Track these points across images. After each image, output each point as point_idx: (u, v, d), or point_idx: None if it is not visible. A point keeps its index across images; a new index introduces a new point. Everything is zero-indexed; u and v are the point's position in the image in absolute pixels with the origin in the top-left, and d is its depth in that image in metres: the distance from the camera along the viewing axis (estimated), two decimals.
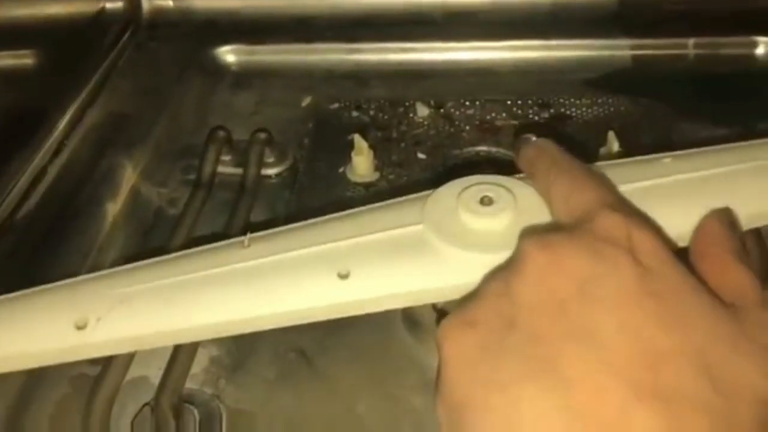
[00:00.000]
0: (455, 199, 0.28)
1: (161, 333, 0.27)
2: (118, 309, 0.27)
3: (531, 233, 0.22)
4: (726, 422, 0.18)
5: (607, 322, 0.19)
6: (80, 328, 0.26)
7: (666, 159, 0.30)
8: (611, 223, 0.21)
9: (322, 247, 0.28)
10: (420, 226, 0.28)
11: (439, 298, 0.30)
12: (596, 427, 0.18)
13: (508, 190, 0.29)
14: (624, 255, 0.20)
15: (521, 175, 0.30)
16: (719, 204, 0.26)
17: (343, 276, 0.27)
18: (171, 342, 0.29)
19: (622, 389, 0.18)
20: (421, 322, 0.34)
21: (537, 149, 0.28)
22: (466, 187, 0.29)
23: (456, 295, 0.31)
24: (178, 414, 0.31)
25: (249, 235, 0.29)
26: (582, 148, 0.44)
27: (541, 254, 0.21)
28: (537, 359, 0.19)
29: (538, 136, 0.30)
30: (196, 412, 0.31)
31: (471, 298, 0.23)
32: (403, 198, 0.30)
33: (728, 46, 0.50)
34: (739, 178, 0.29)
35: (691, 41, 0.50)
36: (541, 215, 0.27)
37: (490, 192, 0.29)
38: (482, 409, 0.19)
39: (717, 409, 0.18)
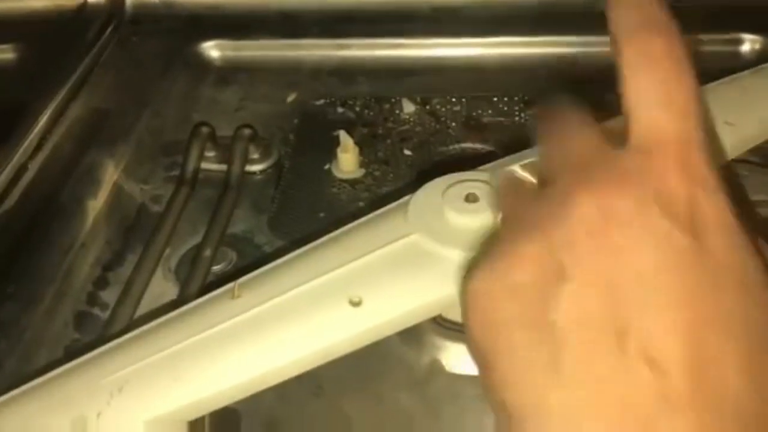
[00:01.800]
0: (439, 200, 0.28)
1: (168, 414, 0.24)
2: (117, 398, 0.24)
3: (588, 180, 0.19)
4: (761, 426, 0.17)
5: (655, 320, 0.18)
6: (79, 430, 0.24)
7: None
8: (676, 187, 0.18)
9: (323, 279, 0.26)
10: (412, 236, 0.27)
11: (453, 305, 0.27)
12: (628, 426, 0.17)
13: (483, 182, 0.28)
14: (686, 240, 0.18)
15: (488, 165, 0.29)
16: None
17: (356, 303, 0.25)
18: (179, 420, 0.26)
19: (657, 391, 0.17)
20: None
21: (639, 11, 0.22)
22: (448, 187, 0.29)
23: None
24: None
25: (237, 283, 0.27)
26: None
27: (602, 232, 0.18)
28: (573, 349, 0.18)
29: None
30: None
31: (509, 256, 0.20)
32: (385, 208, 0.29)
33: (713, 42, 0.50)
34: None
35: None
36: None
37: (468, 189, 0.28)
38: (510, 382, 0.19)
39: (753, 414, 0.17)
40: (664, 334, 0.17)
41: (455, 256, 0.26)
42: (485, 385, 0.20)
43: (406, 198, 0.29)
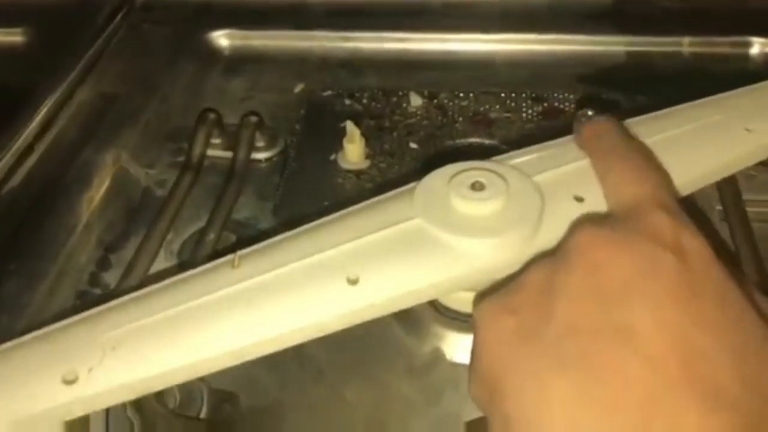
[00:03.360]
0: (445, 187, 0.28)
1: (161, 375, 0.24)
2: (110, 356, 0.24)
3: (582, 225, 0.23)
4: (756, 423, 0.18)
5: (645, 318, 0.19)
6: (69, 382, 0.24)
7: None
8: (662, 224, 0.22)
9: (323, 255, 0.26)
10: (416, 220, 0.27)
11: (451, 291, 0.29)
12: (624, 419, 0.18)
13: (491, 171, 0.28)
14: (671, 256, 0.21)
15: (500, 156, 0.29)
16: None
17: (353, 281, 0.25)
18: (171, 383, 0.26)
19: (653, 381, 0.18)
20: (408, 308, 0.33)
21: (598, 129, 0.28)
22: (451, 177, 0.29)
23: (465, 285, 0.30)
24: (158, 394, 0.30)
25: (238, 254, 0.27)
26: None
27: (589, 250, 0.21)
28: (571, 351, 0.20)
29: (604, 112, 0.29)
30: (176, 392, 0.31)
31: (512, 283, 0.23)
32: (391, 192, 0.29)
33: (723, 45, 0.49)
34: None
35: (685, 39, 0.50)
36: (530, 189, 0.27)
37: (475, 178, 0.28)
38: (517, 393, 0.20)
39: (748, 409, 0.18)
40: (654, 330, 0.19)
41: (457, 242, 0.26)
42: (493, 409, 0.21)
43: (412, 184, 0.29)
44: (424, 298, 0.28)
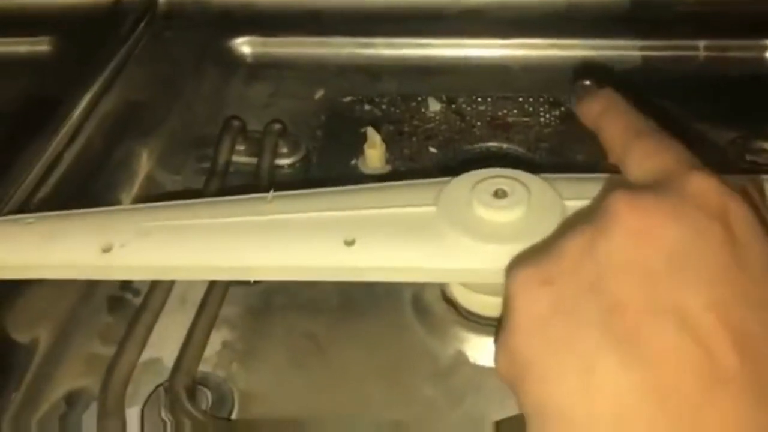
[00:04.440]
0: (470, 189, 0.29)
1: (175, 267, 0.30)
2: (141, 239, 0.30)
3: (619, 187, 0.21)
4: None
5: (695, 297, 0.18)
6: (105, 251, 0.30)
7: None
8: (705, 186, 0.20)
9: (335, 213, 0.30)
10: (432, 209, 0.30)
11: (438, 279, 0.33)
12: (676, 407, 0.17)
13: (524, 184, 0.29)
14: (717, 225, 0.19)
15: (544, 175, 0.30)
16: None
17: (349, 243, 0.29)
18: (183, 277, 0.33)
19: (708, 369, 0.17)
20: (430, 311, 0.34)
21: (602, 103, 0.27)
22: (483, 179, 0.30)
23: (456, 279, 0.32)
24: (191, 395, 0.31)
25: (273, 193, 0.32)
26: (592, 146, 0.44)
27: (630, 216, 0.20)
28: (618, 330, 0.18)
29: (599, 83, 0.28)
30: (209, 394, 0.32)
31: (548, 250, 0.21)
32: (421, 180, 0.32)
33: (739, 49, 0.50)
34: None
35: (701, 43, 0.50)
36: (554, 211, 0.28)
37: (504, 185, 0.29)
38: (554, 374, 0.19)
39: None
40: (703, 311, 0.18)
41: (465, 241, 0.28)
42: (524, 390, 0.20)
43: (444, 178, 0.31)
44: (413, 279, 0.32)
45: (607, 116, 0.26)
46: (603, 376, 0.18)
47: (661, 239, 0.19)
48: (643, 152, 0.23)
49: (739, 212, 0.20)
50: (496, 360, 0.22)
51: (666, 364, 0.18)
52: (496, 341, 0.22)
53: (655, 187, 0.21)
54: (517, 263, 0.22)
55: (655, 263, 0.19)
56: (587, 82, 0.29)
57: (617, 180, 0.24)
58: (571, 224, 0.22)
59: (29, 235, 0.31)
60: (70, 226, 0.32)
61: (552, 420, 0.19)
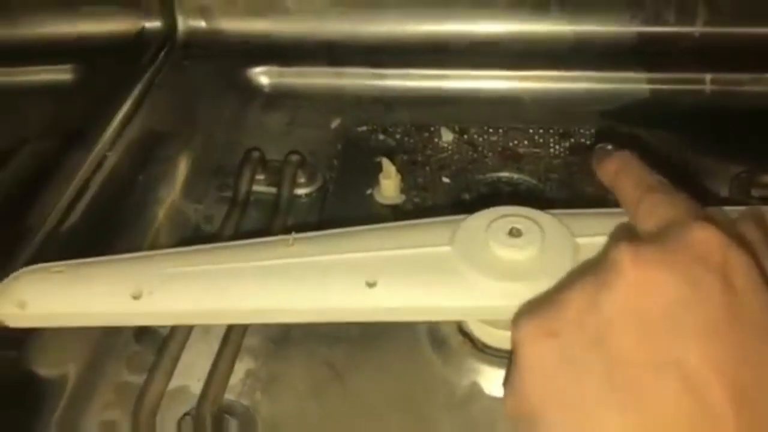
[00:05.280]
0: (485, 227, 0.30)
1: (201, 312, 0.31)
2: (168, 285, 0.31)
3: (623, 240, 0.21)
4: None
5: (690, 352, 0.19)
6: (135, 298, 0.31)
7: None
8: (707, 237, 0.21)
9: (356, 255, 0.31)
10: (448, 248, 0.31)
11: (457, 318, 0.34)
12: None
13: (537, 223, 0.31)
14: (717, 278, 0.20)
15: (555, 211, 0.31)
16: None
17: (371, 284, 0.30)
18: (208, 321, 0.35)
19: (704, 422, 0.18)
20: (447, 344, 0.36)
21: (619, 162, 0.28)
22: (497, 218, 0.31)
23: (474, 317, 0.33)
24: (217, 423, 0.32)
25: (293, 235, 0.33)
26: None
27: (632, 269, 0.20)
28: (619, 384, 0.19)
29: (618, 147, 0.29)
30: (234, 422, 0.33)
31: (552, 301, 0.22)
32: (437, 219, 0.33)
33: (745, 83, 0.51)
34: None
35: (708, 77, 0.51)
36: (567, 248, 0.29)
37: (519, 224, 0.31)
38: (557, 424, 0.20)
39: None
40: (700, 366, 0.19)
41: (478, 279, 0.29)
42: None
43: (459, 216, 0.32)
44: (433, 318, 0.33)
45: (622, 173, 0.27)
46: (603, 429, 0.19)
47: (661, 292, 0.20)
48: (651, 205, 0.24)
49: (739, 264, 0.20)
50: (504, 402, 0.23)
51: (663, 415, 0.19)
52: (504, 384, 0.23)
53: (659, 238, 0.22)
54: (524, 313, 0.23)
55: (655, 316, 0.20)
56: (609, 146, 0.30)
57: (624, 229, 0.26)
58: (576, 275, 0.23)
59: (60, 284, 0.32)
60: (98, 274, 0.32)
61: None
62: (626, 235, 0.23)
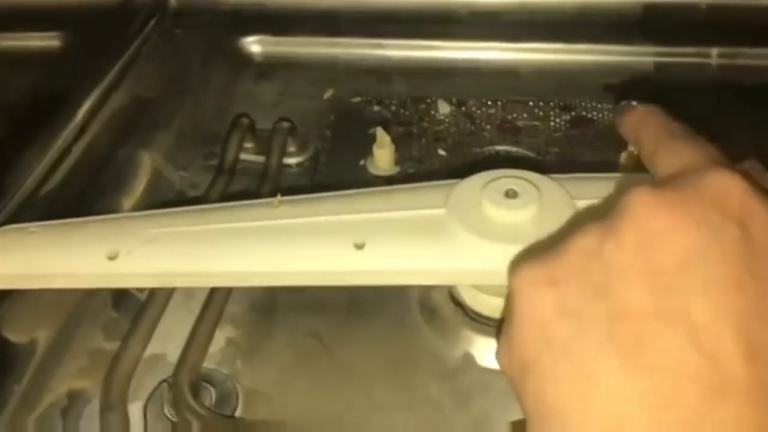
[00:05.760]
0: (480, 189, 0.29)
1: (182, 273, 0.30)
2: (147, 246, 0.29)
3: (636, 186, 0.20)
4: None
5: (704, 305, 0.18)
6: (111, 258, 0.29)
7: None
8: (725, 182, 0.19)
9: (344, 217, 0.30)
10: (442, 210, 0.29)
11: (449, 282, 0.33)
12: (676, 416, 0.17)
13: (534, 185, 0.29)
14: (733, 226, 0.18)
15: (554, 175, 0.30)
16: None
17: (359, 246, 0.28)
18: (189, 284, 0.33)
19: (710, 379, 0.17)
20: (438, 312, 0.34)
21: (642, 115, 0.26)
22: (493, 179, 0.29)
23: (468, 281, 0.32)
24: (195, 392, 0.31)
25: (279, 197, 0.31)
26: (601, 151, 0.44)
27: (644, 217, 0.19)
28: (621, 337, 0.18)
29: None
30: (212, 390, 0.32)
31: (556, 248, 0.20)
32: (430, 183, 0.31)
33: (752, 56, 0.50)
34: None
35: (714, 51, 0.50)
36: (565, 211, 0.28)
37: (515, 185, 0.29)
38: (554, 377, 0.19)
39: None
40: (713, 319, 0.17)
41: (472, 241, 0.28)
42: (523, 389, 0.20)
43: (453, 180, 0.30)
44: (424, 282, 0.31)
45: (643, 125, 0.26)
46: (602, 382, 0.18)
47: (674, 243, 0.18)
48: (671, 152, 0.23)
49: (759, 215, 0.19)
50: (498, 355, 0.21)
51: (667, 372, 0.17)
52: (498, 336, 0.22)
53: (675, 183, 0.20)
54: (523, 260, 0.21)
55: (666, 265, 0.18)
56: (633, 102, 0.28)
57: (633, 179, 0.24)
58: (581, 222, 0.21)
59: (33, 244, 0.31)
60: (74, 234, 0.31)
61: (550, 422, 0.19)
62: (637, 183, 0.21)
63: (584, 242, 0.20)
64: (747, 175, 0.20)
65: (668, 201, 0.19)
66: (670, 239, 0.18)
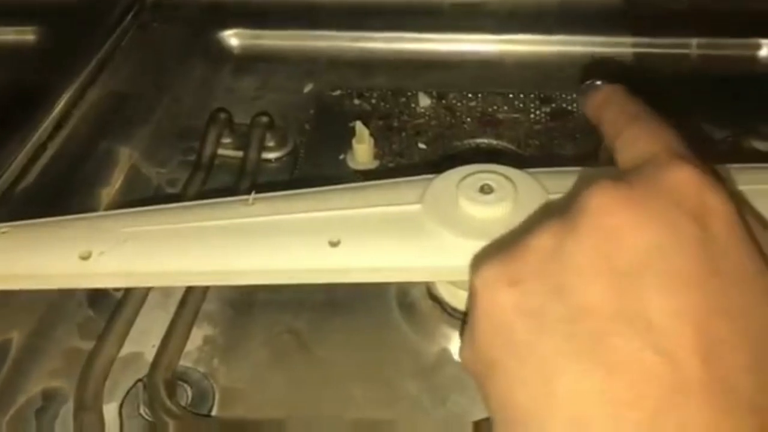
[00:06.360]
0: (456, 185, 0.29)
1: (156, 273, 0.29)
2: (120, 246, 0.29)
3: (593, 182, 0.19)
4: None
5: (663, 304, 0.17)
6: (84, 258, 0.29)
7: None
8: (686, 179, 0.19)
9: (319, 214, 0.29)
10: (417, 206, 0.29)
11: (425, 278, 0.33)
12: (636, 416, 0.17)
13: (509, 180, 0.29)
14: (693, 224, 0.18)
15: (530, 170, 0.30)
16: None
17: (334, 244, 0.28)
18: (163, 283, 0.32)
19: (669, 378, 0.17)
20: (416, 308, 0.34)
21: (605, 94, 0.26)
22: (468, 175, 0.29)
23: (443, 278, 0.31)
24: (171, 391, 0.31)
25: (254, 195, 0.31)
26: (582, 143, 0.44)
27: (601, 213, 0.19)
28: (580, 336, 0.18)
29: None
30: (188, 389, 0.31)
31: (515, 247, 0.20)
32: (406, 179, 0.31)
33: (731, 47, 0.50)
34: None
35: (694, 41, 0.50)
36: (541, 205, 0.28)
37: (490, 181, 0.29)
38: (516, 377, 0.18)
39: (763, 409, 0.17)
40: (671, 319, 0.17)
41: (447, 237, 0.28)
42: (487, 391, 0.20)
43: (429, 176, 0.30)
44: (400, 279, 0.31)
45: (607, 105, 0.25)
46: (563, 383, 0.18)
47: (632, 240, 0.18)
48: (634, 136, 0.22)
49: (719, 209, 0.19)
50: (461, 355, 0.21)
51: (626, 373, 0.17)
52: (461, 335, 0.22)
53: (633, 178, 0.20)
54: (483, 259, 0.21)
55: (624, 264, 0.18)
56: (598, 82, 0.28)
57: (593, 173, 0.23)
58: (540, 219, 0.21)
59: (3, 245, 0.30)
60: (45, 234, 0.30)
61: (513, 422, 0.18)
62: (597, 177, 0.21)
63: (543, 241, 0.20)
64: (705, 168, 0.20)
65: (626, 197, 0.19)
66: (628, 237, 0.18)
